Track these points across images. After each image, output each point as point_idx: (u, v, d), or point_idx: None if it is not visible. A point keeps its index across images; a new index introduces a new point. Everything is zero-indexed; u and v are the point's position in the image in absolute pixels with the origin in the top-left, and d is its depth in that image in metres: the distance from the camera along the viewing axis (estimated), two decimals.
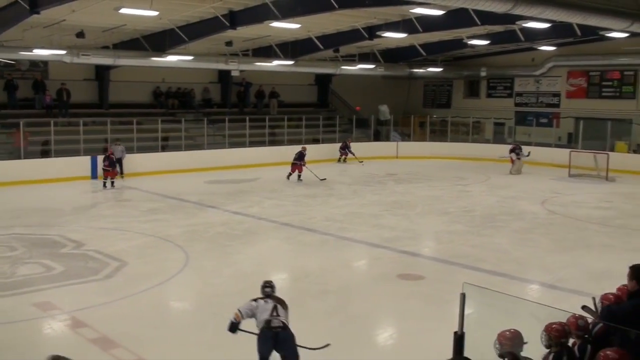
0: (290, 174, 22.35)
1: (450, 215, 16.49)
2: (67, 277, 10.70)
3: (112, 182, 20.59)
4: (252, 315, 6.97)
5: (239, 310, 7.02)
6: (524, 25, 19.31)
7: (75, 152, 22.26)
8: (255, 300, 7.09)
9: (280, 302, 7.08)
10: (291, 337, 6.87)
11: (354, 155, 27.47)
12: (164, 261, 11.81)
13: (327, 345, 7.31)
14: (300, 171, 22.25)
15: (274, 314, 6.90)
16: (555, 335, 4.95)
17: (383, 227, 14.95)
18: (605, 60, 27.41)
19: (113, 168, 20.72)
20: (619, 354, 4.42)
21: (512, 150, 25.15)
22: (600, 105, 28.23)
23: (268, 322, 6.83)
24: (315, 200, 18.51)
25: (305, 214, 16.46)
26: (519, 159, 24.85)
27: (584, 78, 29.10)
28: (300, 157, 22.44)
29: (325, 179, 22.22)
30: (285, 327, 6.86)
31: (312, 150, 24.17)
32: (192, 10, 18.81)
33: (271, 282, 7.48)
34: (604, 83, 28.42)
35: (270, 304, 7.00)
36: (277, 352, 6.81)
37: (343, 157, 28.09)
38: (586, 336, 5.10)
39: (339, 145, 28.40)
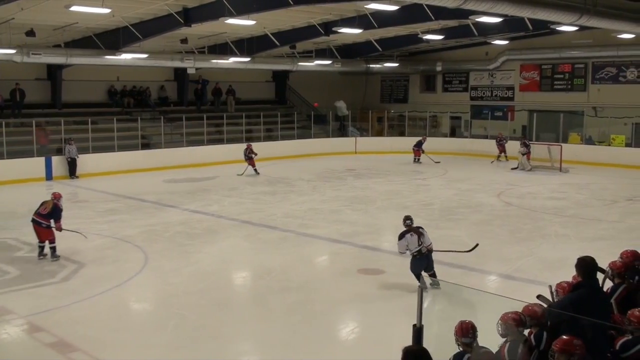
0: (416, 158, 26.31)
1: (409, 209, 16.57)
2: (22, 280, 10.50)
3: (255, 169, 22.87)
4: (408, 248, 9.66)
5: (399, 252, 9.92)
6: (476, 19, 19.56)
7: (28, 153, 21.80)
8: (403, 236, 9.68)
9: (419, 231, 9.67)
10: (431, 255, 9.74)
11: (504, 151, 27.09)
12: (123, 262, 11.66)
13: (477, 245, 10.23)
14: (418, 155, 26.23)
15: (420, 243, 9.59)
16: (512, 325, 5.06)
17: (343, 222, 15.01)
18: (557, 54, 28.00)
19: (248, 159, 23.04)
20: (569, 339, 4.56)
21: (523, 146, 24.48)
22: (552, 98, 28.82)
23: (419, 251, 9.60)
24: (275, 197, 18.49)
25: (265, 211, 16.42)
26: (523, 154, 24.21)
27: (537, 71, 29.67)
28: (419, 144, 26.37)
29: (439, 162, 25.54)
30: (429, 251, 9.65)
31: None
32: (145, 7, 18.56)
33: (410, 216, 10.01)
34: (556, 76, 29.01)
35: (415, 237, 9.61)
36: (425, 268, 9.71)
37: (503, 154, 26.72)
38: (542, 324, 5.21)
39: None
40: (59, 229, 11.92)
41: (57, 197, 12.14)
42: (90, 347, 7.85)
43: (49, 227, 11.79)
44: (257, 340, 8.36)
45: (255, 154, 23.11)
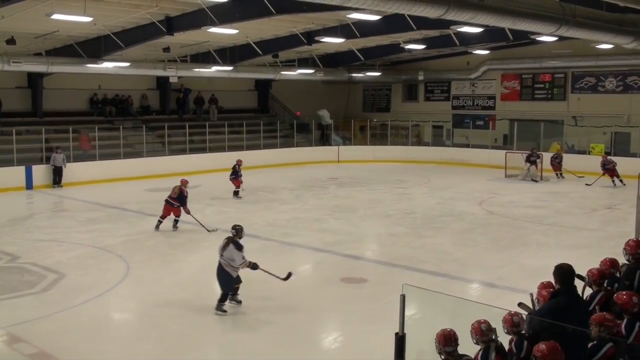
0: (558, 173, 23.74)
1: (391, 218, 16.70)
2: (1, 291, 10.37)
3: (237, 191, 19.81)
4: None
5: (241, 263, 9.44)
6: (458, 29, 19.75)
7: (8, 162, 21.59)
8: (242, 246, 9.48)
9: (228, 243, 9.38)
10: (222, 272, 9.38)
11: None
12: (104, 272, 11.58)
13: (290, 274, 9.85)
14: (558, 170, 23.73)
15: (221, 252, 9.39)
16: (479, 333, 5.11)
17: (326, 231, 15.02)
18: (537, 64, 28.29)
19: (236, 177, 19.77)
20: (548, 346, 4.60)
21: (528, 158, 23.79)
22: (533, 107, 29.12)
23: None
24: (258, 206, 18.45)
25: (247, 220, 16.32)
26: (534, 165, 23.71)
27: (517, 81, 29.96)
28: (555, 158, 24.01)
29: (588, 183, 22.02)
30: (220, 264, 9.35)
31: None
32: (127, 16, 18.51)
33: (235, 225, 9.74)
34: (536, 85, 29.33)
35: (222, 243, 9.44)
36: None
37: (616, 177, 21.94)
38: (522, 332, 5.25)
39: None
40: (187, 212, 14.77)
41: (183, 183, 14.98)
42: (71, 358, 7.79)
43: (179, 206, 14.78)
44: (240, 350, 8.33)
45: (241, 174, 19.96)
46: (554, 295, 5.52)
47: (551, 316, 5.15)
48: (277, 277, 9.78)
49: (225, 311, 9.27)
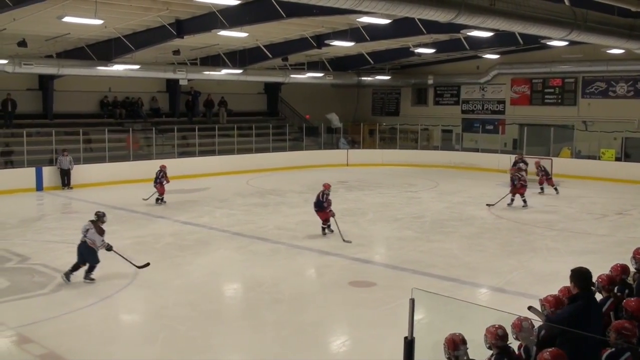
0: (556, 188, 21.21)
1: (400, 222, 16.67)
2: (12, 291, 10.43)
3: (160, 199, 19.08)
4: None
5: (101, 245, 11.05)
6: (468, 34, 19.69)
7: (19, 164, 21.70)
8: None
9: (91, 226, 10.94)
10: (87, 248, 10.86)
11: None
12: (113, 274, 11.58)
13: (148, 264, 11.38)
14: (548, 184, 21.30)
15: (84, 234, 10.93)
16: (494, 338, 5.08)
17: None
18: (547, 68, 28.20)
19: (158, 184, 18.99)
20: (552, 354, 4.57)
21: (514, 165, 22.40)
22: (543, 111, 29.02)
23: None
24: (266, 209, 18.47)
25: (256, 223, 16.40)
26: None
27: (527, 85, 29.87)
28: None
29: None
30: (84, 242, 10.88)
31: None
32: (138, 19, 18.58)
33: (98, 212, 11.31)
34: (547, 90, 29.23)
35: (85, 226, 11.01)
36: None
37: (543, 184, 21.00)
38: (531, 338, 5.22)
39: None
40: (330, 214, 14.83)
41: (324, 187, 15.12)
42: (79, 359, 7.81)
43: (318, 210, 15.00)
44: (248, 353, 8.33)
45: (168, 181, 19.14)
46: (573, 300, 5.48)
47: (572, 320, 5.11)
48: (132, 263, 11.28)
49: (93, 279, 10.85)
